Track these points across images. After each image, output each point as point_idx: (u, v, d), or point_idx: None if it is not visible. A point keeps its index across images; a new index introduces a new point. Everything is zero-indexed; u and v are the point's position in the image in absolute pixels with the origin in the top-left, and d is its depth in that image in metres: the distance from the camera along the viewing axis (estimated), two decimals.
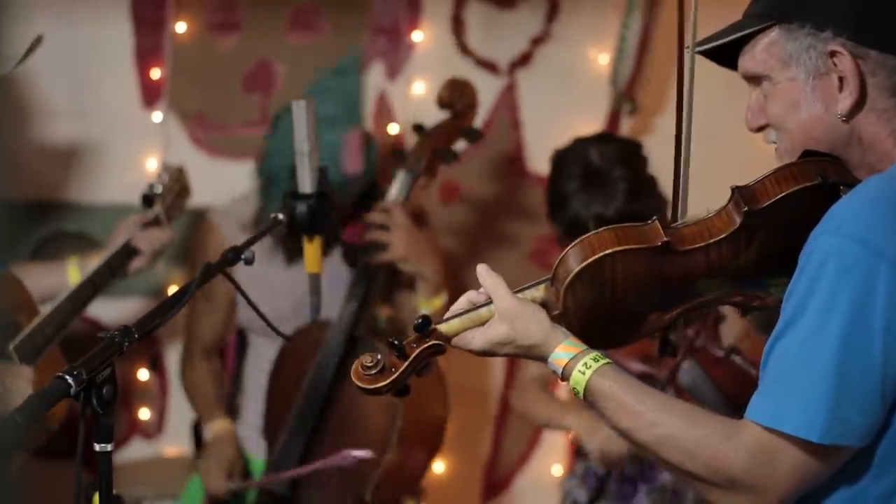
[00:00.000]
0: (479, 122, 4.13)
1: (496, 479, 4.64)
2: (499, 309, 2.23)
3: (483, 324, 2.25)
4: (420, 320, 2.24)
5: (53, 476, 3.57)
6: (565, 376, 2.20)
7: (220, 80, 4.46)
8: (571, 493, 3.80)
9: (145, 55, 4.42)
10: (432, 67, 4.39)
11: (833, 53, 2.13)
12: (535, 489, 3.85)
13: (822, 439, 2.00)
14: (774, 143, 2.26)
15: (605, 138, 3.97)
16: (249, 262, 2.60)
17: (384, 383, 2.22)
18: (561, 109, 4.48)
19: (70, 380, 2.08)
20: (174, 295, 2.40)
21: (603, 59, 4.43)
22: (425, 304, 3.90)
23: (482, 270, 2.28)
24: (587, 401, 2.19)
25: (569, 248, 2.20)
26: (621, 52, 4.38)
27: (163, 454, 4.52)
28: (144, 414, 4.50)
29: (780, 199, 2.17)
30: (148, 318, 2.32)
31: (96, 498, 2.20)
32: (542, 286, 2.26)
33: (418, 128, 3.99)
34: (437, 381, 3.82)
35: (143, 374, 4.49)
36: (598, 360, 2.19)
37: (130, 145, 4.40)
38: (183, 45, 4.41)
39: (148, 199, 3.84)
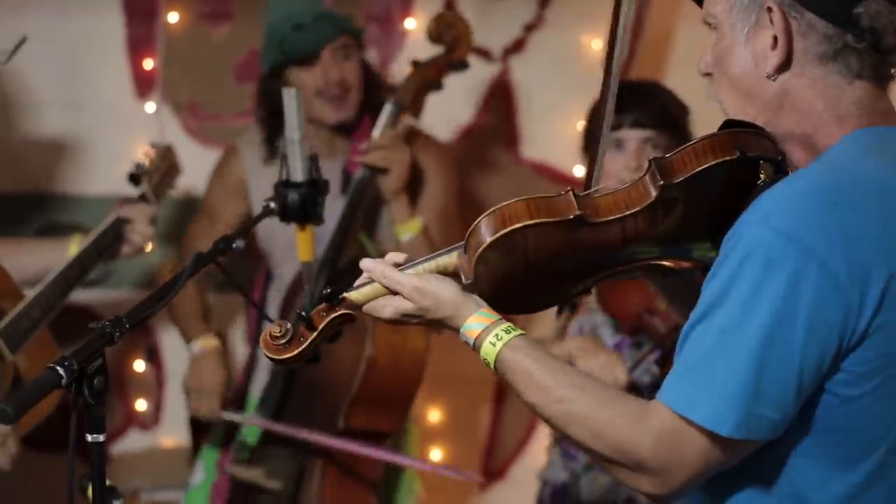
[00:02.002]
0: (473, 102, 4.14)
1: (493, 466, 4.64)
2: (403, 292, 2.22)
3: (394, 292, 2.24)
4: (328, 290, 2.23)
5: (47, 467, 3.59)
6: (476, 347, 2.17)
7: (212, 70, 4.46)
8: (550, 478, 3.77)
9: (138, 46, 4.42)
10: (425, 55, 4.37)
11: (769, 9, 2.10)
12: (533, 477, 3.84)
13: (732, 433, 1.97)
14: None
15: None
16: (241, 251, 2.60)
17: (292, 353, 2.22)
18: (554, 96, 4.48)
19: (61, 370, 2.07)
20: (165, 285, 2.39)
21: (596, 45, 4.43)
22: (402, 228, 3.90)
23: (366, 264, 2.26)
24: (497, 373, 2.16)
25: (481, 217, 2.16)
26: (614, 36, 4.37)
27: (160, 445, 4.52)
28: (141, 405, 4.51)
29: (696, 172, 2.13)
30: (139, 309, 2.31)
31: (90, 489, 2.19)
32: (454, 253, 2.23)
33: (415, 63, 4.05)
34: None
35: (140, 365, 4.49)
36: (509, 332, 2.15)
37: (124, 136, 4.40)
38: (175, 36, 4.41)
39: (135, 178, 3.83)
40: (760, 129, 2.15)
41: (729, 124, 2.17)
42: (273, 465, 3.87)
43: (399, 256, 2.28)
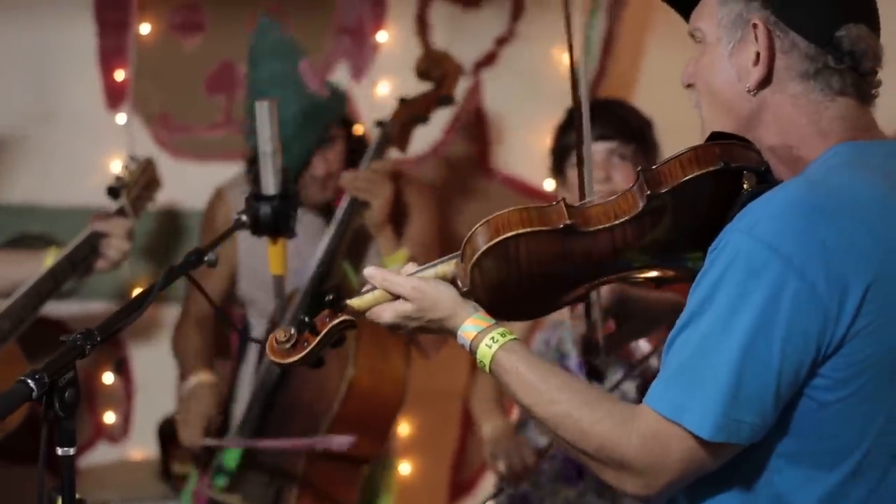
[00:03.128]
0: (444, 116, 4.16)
1: (462, 480, 4.64)
2: (403, 293, 2.29)
3: (394, 299, 2.32)
4: (331, 296, 2.32)
5: (17, 480, 3.57)
6: (472, 349, 2.24)
7: (184, 82, 4.46)
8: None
9: (109, 57, 4.41)
10: (397, 68, 4.39)
11: (755, 25, 2.15)
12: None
13: (712, 437, 2.03)
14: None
15: None
16: (212, 264, 2.60)
17: (296, 357, 2.31)
18: (526, 109, 4.49)
19: (32, 383, 2.06)
20: (136, 298, 2.39)
21: (568, 58, 4.43)
22: (389, 259, 3.92)
23: (368, 272, 2.34)
24: (492, 374, 2.23)
25: (477, 226, 2.25)
26: (586, 52, 4.40)
27: (128, 458, 4.51)
28: (110, 418, 4.49)
29: (683, 182, 2.20)
30: (110, 322, 2.31)
31: (60, 502, 2.18)
32: (452, 261, 2.32)
33: (402, 100, 4.08)
34: (396, 337, 3.85)
35: (109, 378, 4.47)
36: (505, 336, 2.23)
37: (95, 147, 4.39)
38: (147, 47, 4.40)
39: (114, 191, 3.82)
40: (746, 141, 2.21)
41: (715, 136, 2.23)
42: (250, 490, 3.87)
43: (408, 269, 2.36)
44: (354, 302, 2.33)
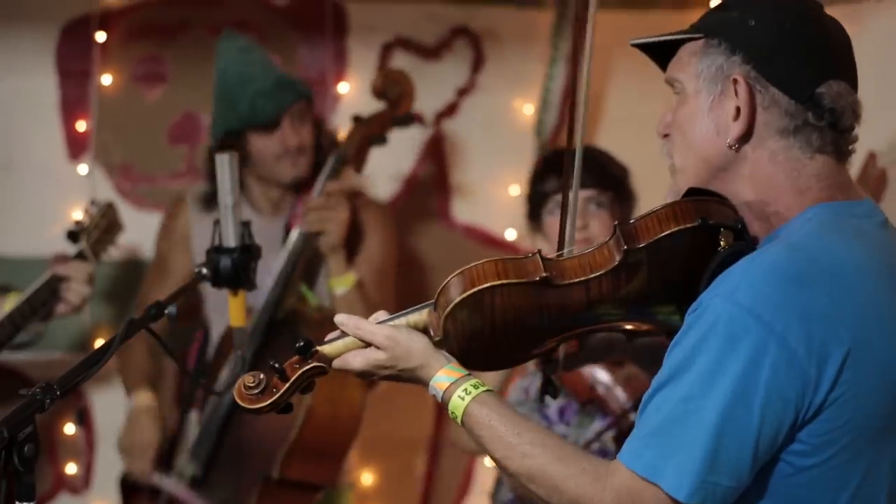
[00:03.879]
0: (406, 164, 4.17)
1: None
2: (376, 341, 2.28)
3: (366, 346, 2.30)
4: (302, 343, 2.29)
5: None
6: (445, 401, 2.23)
7: (146, 132, 4.47)
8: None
9: (71, 107, 4.43)
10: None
11: (735, 80, 2.16)
12: None
13: (688, 499, 2.03)
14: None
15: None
16: (173, 317, 2.60)
17: (265, 403, 2.28)
18: (486, 159, 4.52)
19: None
20: (96, 352, 2.39)
21: (528, 109, 4.48)
22: (337, 281, 3.94)
23: (340, 319, 2.31)
24: (464, 426, 2.22)
25: (451, 276, 2.25)
26: (546, 103, 4.43)
27: None
28: (71, 469, 4.47)
29: (660, 238, 2.20)
30: (70, 375, 2.31)
31: None
32: (425, 310, 2.31)
33: (356, 118, 4.10)
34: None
35: (70, 429, 4.45)
36: (477, 388, 2.22)
37: (57, 197, 4.39)
38: (109, 97, 4.42)
39: (73, 235, 3.82)
40: (722, 198, 2.21)
41: (691, 192, 2.23)
42: None
43: (379, 315, 2.34)
44: (325, 349, 2.31)
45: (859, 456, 2.09)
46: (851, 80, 2.19)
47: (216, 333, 4.09)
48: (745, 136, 2.16)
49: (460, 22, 4.51)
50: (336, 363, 2.32)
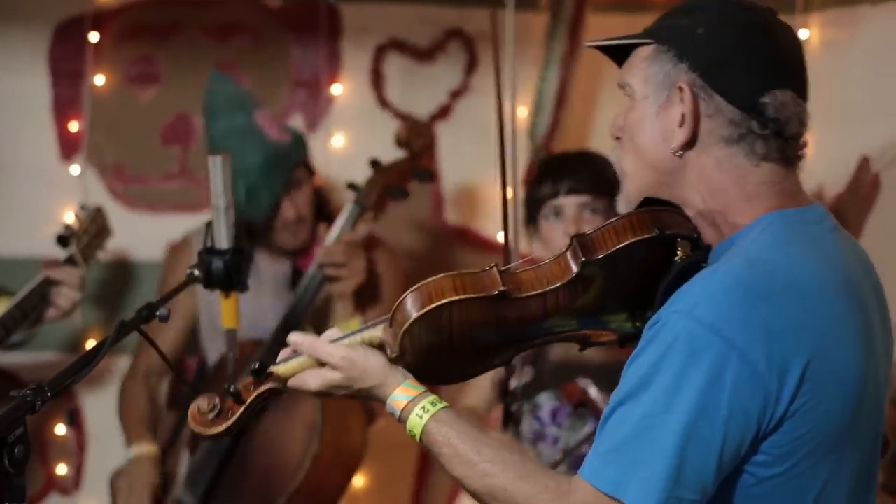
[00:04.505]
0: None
1: None
2: (332, 361, 2.26)
3: (321, 365, 2.27)
4: (256, 365, 2.26)
5: None
6: (403, 419, 2.22)
7: (139, 133, 4.46)
8: None
9: (63, 107, 4.42)
10: (352, 121, 4.41)
11: (681, 88, 2.17)
12: None
13: None
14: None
15: None
16: (164, 319, 2.59)
17: (221, 428, 2.26)
18: (480, 162, 4.51)
19: None
20: (87, 353, 2.38)
21: (521, 111, 4.47)
22: (343, 326, 3.92)
23: (294, 338, 2.29)
24: (423, 444, 2.21)
25: (407, 293, 2.23)
26: (539, 106, 4.43)
27: None
28: (62, 469, 4.46)
29: (617, 249, 2.21)
30: (61, 377, 2.30)
31: None
32: (380, 326, 2.29)
33: (375, 164, 4.06)
34: (357, 410, 3.89)
35: (61, 429, 4.44)
36: (435, 405, 2.20)
37: (49, 198, 4.38)
38: (102, 98, 4.41)
39: (63, 239, 3.81)
40: (676, 207, 2.22)
41: (648, 202, 2.23)
42: None
43: (333, 333, 2.32)
44: (279, 369, 2.28)
45: (820, 464, 2.10)
46: (799, 88, 2.19)
47: (211, 361, 4.09)
48: (690, 143, 2.17)
49: (454, 24, 4.51)
50: (291, 383, 2.29)
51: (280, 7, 4.47)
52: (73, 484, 4.47)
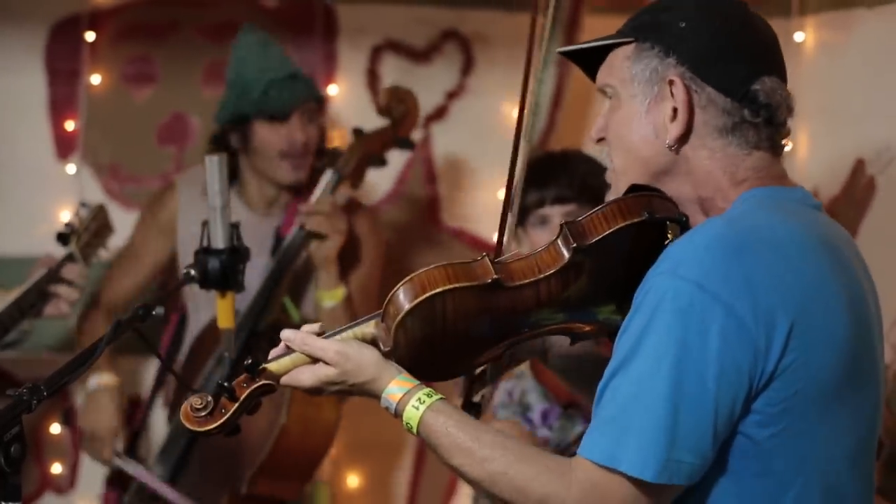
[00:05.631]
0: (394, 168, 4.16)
1: None
2: (325, 357, 2.25)
3: (313, 361, 2.27)
4: (250, 361, 2.25)
5: None
6: (398, 412, 2.21)
7: (134, 133, 4.46)
8: None
9: (59, 107, 4.42)
10: (347, 121, 4.41)
11: (672, 82, 2.18)
12: None
13: (656, 479, 2.03)
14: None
15: None
16: (160, 318, 2.59)
17: (214, 425, 2.25)
18: (476, 163, 4.52)
19: None
20: (84, 351, 2.39)
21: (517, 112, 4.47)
22: (326, 294, 3.91)
23: (286, 335, 2.28)
24: (420, 437, 2.20)
25: (399, 286, 2.21)
26: (535, 107, 4.43)
27: None
28: (56, 468, 4.46)
29: (607, 234, 2.21)
30: (57, 376, 2.31)
31: None
32: (372, 322, 2.28)
33: (357, 131, 4.05)
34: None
35: (55, 428, 4.45)
36: (431, 396, 2.20)
37: (44, 197, 4.39)
38: (98, 97, 4.41)
39: (63, 237, 3.81)
40: (663, 193, 2.24)
41: (632, 189, 2.25)
42: None
43: (315, 327, 2.31)
44: (272, 366, 2.27)
45: (813, 426, 2.11)
46: (782, 74, 2.23)
47: (194, 321, 4.06)
48: (684, 137, 2.19)
49: (450, 25, 4.52)
50: (284, 380, 2.28)
51: (276, 7, 4.48)
52: (67, 483, 4.47)
